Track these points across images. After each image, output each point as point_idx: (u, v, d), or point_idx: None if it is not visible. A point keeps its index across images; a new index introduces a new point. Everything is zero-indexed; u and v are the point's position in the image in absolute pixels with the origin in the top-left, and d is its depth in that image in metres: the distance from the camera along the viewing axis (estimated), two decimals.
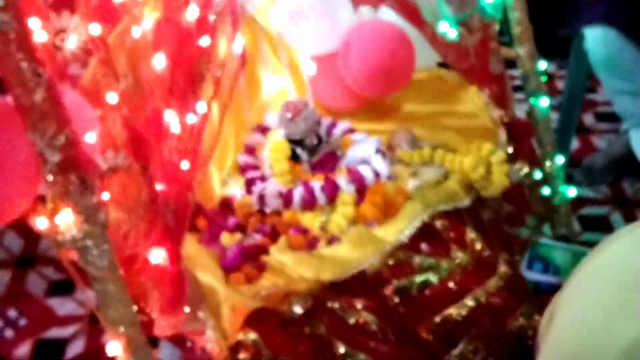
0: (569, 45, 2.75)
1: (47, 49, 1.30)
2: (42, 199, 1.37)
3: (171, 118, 1.53)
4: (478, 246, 2.04)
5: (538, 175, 2.33)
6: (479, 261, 2.01)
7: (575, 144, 3.03)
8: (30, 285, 2.43)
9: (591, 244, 2.31)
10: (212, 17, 1.60)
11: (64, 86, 1.38)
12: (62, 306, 2.34)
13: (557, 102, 2.89)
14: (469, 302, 1.89)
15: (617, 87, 2.61)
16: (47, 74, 1.21)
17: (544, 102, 2.28)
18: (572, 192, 2.37)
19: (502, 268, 2.00)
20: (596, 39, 2.51)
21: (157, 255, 1.57)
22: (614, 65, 2.53)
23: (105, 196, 1.38)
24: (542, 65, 2.27)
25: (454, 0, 2.15)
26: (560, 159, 2.35)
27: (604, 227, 2.59)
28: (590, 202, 2.71)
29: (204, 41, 1.61)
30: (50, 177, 1.26)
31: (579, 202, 2.59)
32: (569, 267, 2.14)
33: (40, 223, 1.37)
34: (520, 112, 3.21)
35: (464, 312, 1.87)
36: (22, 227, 1.58)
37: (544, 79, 2.29)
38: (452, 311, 1.87)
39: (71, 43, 1.41)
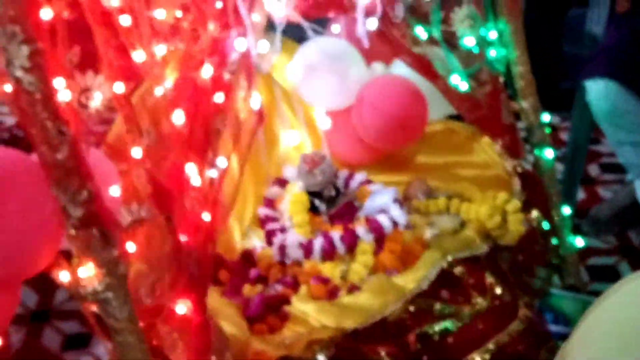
0: (572, 98, 2.81)
1: (71, 107, 1.35)
2: (64, 253, 1.42)
3: (192, 171, 1.58)
4: (498, 291, 2.08)
5: (546, 225, 2.36)
6: (499, 306, 2.04)
7: (581, 194, 3.06)
8: (46, 340, 2.45)
9: (600, 294, 2.36)
10: (227, 76, 1.66)
11: (88, 143, 1.42)
12: None
13: (562, 154, 2.93)
14: (491, 346, 1.91)
15: (620, 139, 2.66)
16: (71, 132, 1.27)
17: (549, 153, 2.33)
18: (579, 242, 2.41)
19: (523, 311, 2.03)
20: (598, 92, 2.56)
21: (183, 306, 1.60)
22: (616, 117, 2.58)
23: (131, 248, 1.42)
24: (546, 117, 2.33)
25: (462, 54, 2.22)
26: (566, 210, 2.38)
27: (612, 276, 2.60)
28: (598, 252, 2.74)
29: (219, 98, 1.68)
30: (72, 231, 1.31)
31: (586, 252, 2.61)
32: (579, 317, 2.15)
33: (62, 276, 1.41)
34: (525, 163, 3.27)
35: (487, 357, 1.89)
36: (36, 282, 1.61)
37: (548, 131, 2.35)
38: (475, 356, 1.90)
39: (95, 101, 1.47)
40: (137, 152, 1.50)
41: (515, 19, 2.18)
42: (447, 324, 1.98)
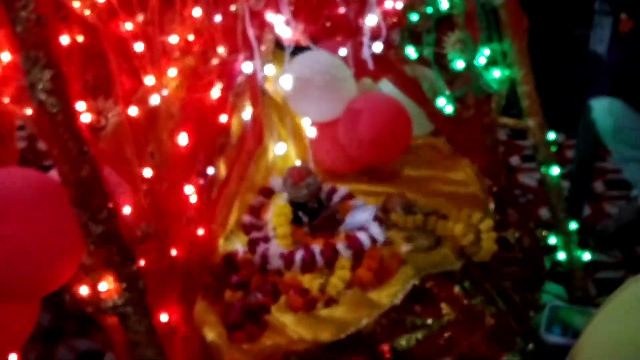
0: (576, 117, 2.85)
1: (89, 130, 1.41)
2: (83, 269, 1.46)
3: (190, 190, 1.64)
4: (465, 301, 2.13)
5: (552, 240, 2.40)
6: (466, 315, 2.10)
7: (587, 210, 3.10)
8: (59, 358, 2.48)
9: None
10: (231, 98, 1.72)
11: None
12: None
13: (567, 171, 2.97)
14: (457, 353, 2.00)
15: (625, 155, 2.70)
16: (91, 152, 1.32)
17: (555, 170, 2.37)
18: (586, 256, 2.44)
19: (488, 320, 2.09)
20: (603, 110, 2.62)
21: (166, 316, 1.63)
22: (621, 134, 2.63)
23: (142, 264, 1.47)
24: (552, 136, 2.37)
25: (450, 78, 2.28)
26: (573, 225, 2.42)
27: None
28: (605, 267, 2.77)
29: (223, 118, 1.73)
30: (93, 248, 1.36)
31: (594, 266, 2.64)
32: None
33: (82, 291, 1.45)
34: (531, 180, 3.31)
35: None
36: (49, 300, 1.65)
37: (553, 148, 2.39)
38: None
39: (108, 124, 1.52)
40: (145, 172, 1.55)
41: (520, 40, 2.22)
42: (418, 334, 2.04)
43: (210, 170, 1.70)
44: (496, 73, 2.24)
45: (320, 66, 2.49)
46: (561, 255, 2.44)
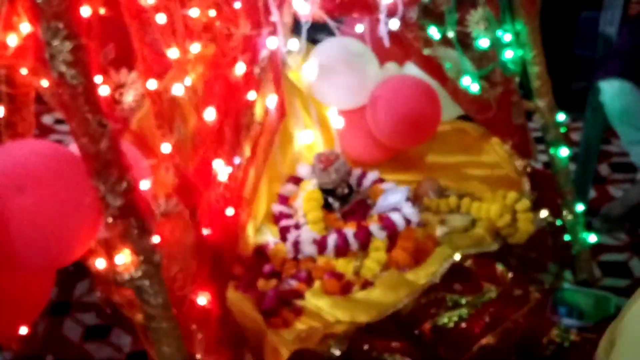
0: (582, 99, 2.85)
1: (107, 102, 1.40)
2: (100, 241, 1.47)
3: (219, 167, 1.63)
4: (508, 279, 2.14)
5: (559, 222, 2.41)
6: (509, 292, 2.10)
7: (592, 193, 3.10)
8: (66, 331, 2.49)
9: (612, 289, 2.41)
10: (257, 71, 1.71)
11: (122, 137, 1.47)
12: (100, 351, 2.40)
13: (573, 153, 2.97)
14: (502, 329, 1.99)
15: (633, 138, 2.70)
16: (110, 125, 1.31)
17: (564, 152, 2.38)
18: (592, 238, 2.46)
19: (533, 296, 2.10)
20: (612, 92, 2.61)
21: (203, 298, 1.65)
22: (629, 117, 2.63)
23: (156, 240, 1.47)
24: (561, 117, 2.37)
25: (476, 56, 2.27)
26: (580, 207, 2.43)
27: (624, 272, 2.66)
28: (610, 249, 2.78)
29: (251, 95, 1.72)
30: (111, 220, 1.36)
31: (598, 248, 2.65)
32: (592, 310, 2.22)
33: (99, 264, 1.46)
34: (535, 163, 3.31)
35: (494, 340, 1.97)
36: (56, 274, 1.66)
37: (563, 130, 2.39)
38: (487, 341, 1.97)
39: (129, 97, 1.51)
40: (166, 148, 1.55)
41: (532, 20, 2.22)
42: (459, 312, 2.04)
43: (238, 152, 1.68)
44: (509, 53, 2.24)
45: (343, 52, 2.49)
46: (566, 238, 2.45)
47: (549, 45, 2.36)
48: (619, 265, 2.70)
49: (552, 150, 2.39)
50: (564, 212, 2.43)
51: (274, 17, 1.63)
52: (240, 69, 1.64)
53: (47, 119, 3.73)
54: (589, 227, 2.57)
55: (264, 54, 1.67)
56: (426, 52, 2.25)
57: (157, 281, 1.41)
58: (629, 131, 2.69)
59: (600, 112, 2.72)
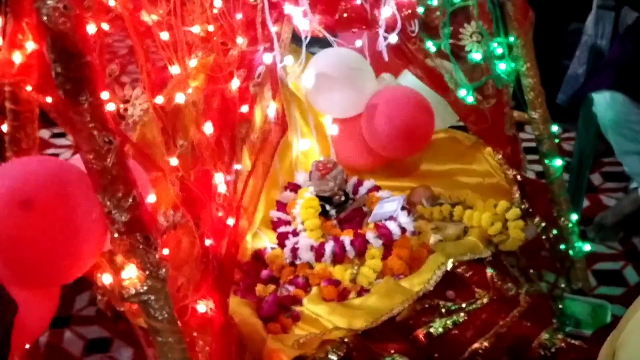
0: (573, 110, 2.88)
1: (113, 118, 1.42)
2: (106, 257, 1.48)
3: (219, 179, 1.65)
4: (498, 282, 2.18)
5: (554, 231, 2.44)
6: (501, 296, 2.16)
7: (584, 202, 3.13)
8: (67, 344, 2.49)
9: (606, 297, 2.43)
10: (252, 89, 1.73)
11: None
12: None
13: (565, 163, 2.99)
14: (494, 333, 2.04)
15: (625, 148, 2.73)
16: (117, 141, 1.33)
17: (558, 162, 2.40)
18: (587, 247, 2.48)
19: (523, 298, 2.15)
20: (604, 103, 2.65)
21: (204, 306, 1.66)
22: (622, 128, 2.66)
23: (164, 252, 1.49)
24: (555, 128, 2.40)
25: (469, 68, 2.30)
26: (574, 216, 2.45)
27: (618, 281, 2.68)
28: (604, 258, 2.80)
29: (244, 108, 1.74)
30: (117, 236, 1.37)
31: (592, 257, 2.68)
32: (587, 318, 2.25)
33: (105, 279, 1.47)
34: (529, 173, 3.33)
35: (488, 343, 2.01)
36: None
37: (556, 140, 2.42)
38: (478, 345, 2.01)
39: (134, 112, 1.53)
40: (173, 161, 1.57)
41: (526, 33, 2.25)
42: (453, 318, 2.09)
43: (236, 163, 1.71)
44: (502, 66, 2.27)
45: (340, 62, 2.53)
46: (562, 247, 2.48)
47: (538, 57, 2.39)
48: (614, 273, 2.73)
49: (546, 161, 2.41)
50: (560, 221, 2.46)
51: (272, 32, 1.65)
52: (235, 83, 1.66)
53: (43, 133, 3.73)
54: (583, 237, 2.60)
55: (260, 69, 1.69)
56: (428, 63, 2.28)
57: (163, 296, 1.42)
58: (621, 142, 2.72)
59: (592, 123, 2.75)
